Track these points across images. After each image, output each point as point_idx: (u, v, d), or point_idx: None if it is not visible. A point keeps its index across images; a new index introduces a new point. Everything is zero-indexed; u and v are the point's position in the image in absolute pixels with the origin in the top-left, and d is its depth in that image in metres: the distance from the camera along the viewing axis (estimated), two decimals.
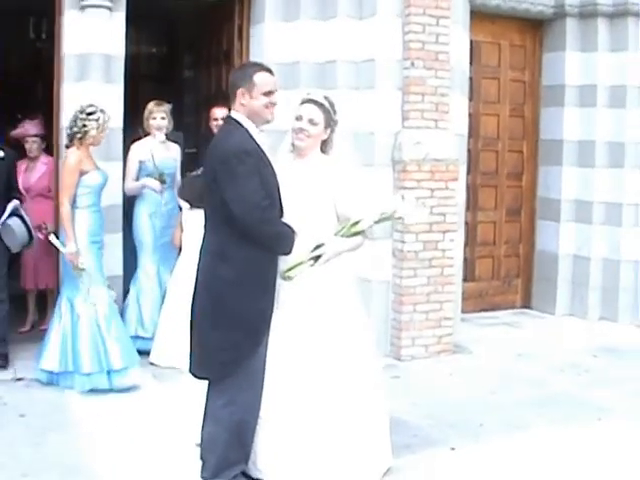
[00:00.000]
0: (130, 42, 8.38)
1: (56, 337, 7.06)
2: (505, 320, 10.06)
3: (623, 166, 9.96)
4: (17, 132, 8.79)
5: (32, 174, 8.73)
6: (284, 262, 4.95)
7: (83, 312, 7.01)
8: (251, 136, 4.91)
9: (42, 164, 8.77)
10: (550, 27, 10.27)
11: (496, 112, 10.22)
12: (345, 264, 5.18)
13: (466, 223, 9.56)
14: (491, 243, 10.37)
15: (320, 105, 5.19)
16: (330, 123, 5.23)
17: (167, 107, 8.25)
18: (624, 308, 10.00)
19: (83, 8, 7.85)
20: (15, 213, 7.33)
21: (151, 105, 8.21)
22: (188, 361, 5.08)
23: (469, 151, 9.54)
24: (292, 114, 5.18)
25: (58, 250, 7.21)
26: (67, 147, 7.27)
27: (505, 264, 10.52)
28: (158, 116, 8.16)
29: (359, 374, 5.13)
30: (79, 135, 7.12)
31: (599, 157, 10.01)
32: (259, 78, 4.96)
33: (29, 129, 8.77)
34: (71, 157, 7.11)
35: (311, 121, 5.16)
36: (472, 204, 9.90)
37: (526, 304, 10.63)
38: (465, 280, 9.58)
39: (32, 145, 8.75)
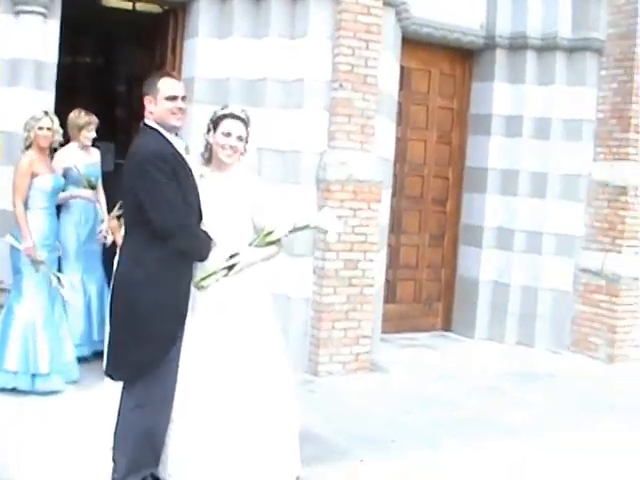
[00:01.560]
0: (64, 51, 8.39)
1: None
2: (425, 342, 10.18)
3: (545, 196, 10.20)
4: None
5: None
6: (199, 271, 5.03)
7: (20, 314, 7.09)
8: (167, 140, 4.97)
9: None
10: (480, 57, 10.51)
11: (424, 138, 10.39)
12: (259, 274, 5.25)
13: (389, 245, 9.71)
14: (414, 266, 10.50)
15: (243, 120, 5.27)
16: (248, 137, 5.32)
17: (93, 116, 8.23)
18: (540, 334, 10.21)
19: (17, 13, 7.90)
20: None
21: (87, 117, 8.12)
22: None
23: (395, 175, 9.73)
24: (212, 127, 5.24)
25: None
26: (22, 152, 7.35)
27: (427, 287, 10.67)
28: (92, 129, 8.17)
29: (268, 382, 5.17)
30: (29, 139, 7.25)
31: (522, 186, 10.25)
32: (162, 84, 5.01)
33: None
34: (23, 161, 7.22)
35: (239, 138, 5.22)
36: (396, 227, 10.04)
37: (446, 327, 10.78)
38: (387, 301, 9.72)
39: None
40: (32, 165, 7.20)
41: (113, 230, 7.85)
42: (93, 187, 8.00)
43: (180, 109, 5.02)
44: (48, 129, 7.32)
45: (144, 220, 4.82)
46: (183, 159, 4.99)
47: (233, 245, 5.06)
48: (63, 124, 7.65)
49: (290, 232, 5.18)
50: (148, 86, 5.08)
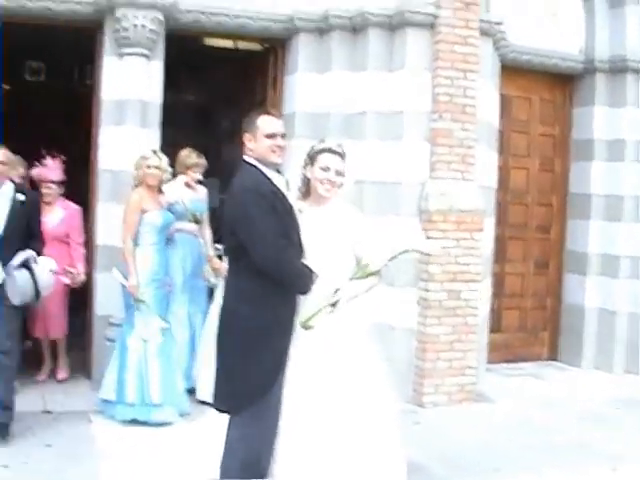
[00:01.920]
0: (168, 90, 8.59)
1: (111, 370, 7.38)
2: (530, 371, 10.06)
3: None
4: (36, 173, 8.47)
5: (48, 219, 8.17)
6: (304, 309, 5.06)
7: (133, 346, 7.29)
8: (266, 177, 5.05)
9: (60, 209, 8.49)
10: (580, 82, 10.38)
11: (525, 165, 10.31)
12: (359, 306, 5.28)
13: (494, 274, 9.64)
14: (519, 295, 10.40)
15: (340, 155, 5.33)
16: (345, 171, 5.36)
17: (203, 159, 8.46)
18: None
19: (122, 55, 8.15)
20: (26, 265, 6.67)
21: (197, 159, 8.37)
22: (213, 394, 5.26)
23: (498, 203, 9.64)
24: (309, 162, 5.32)
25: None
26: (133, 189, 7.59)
27: (532, 316, 10.54)
28: (199, 171, 8.39)
29: (372, 414, 5.19)
30: (139, 178, 7.48)
31: (626, 211, 10.08)
32: (262, 121, 5.10)
33: (47, 173, 8.43)
34: (132, 196, 7.43)
35: (338, 172, 5.28)
36: (500, 256, 9.94)
37: (552, 356, 10.63)
38: (492, 331, 9.63)
39: (47, 190, 8.39)
40: (141, 202, 7.39)
41: (215, 269, 8.01)
42: (198, 222, 8.18)
43: (279, 147, 5.10)
44: (156, 167, 7.50)
45: (246, 255, 4.92)
46: (283, 195, 5.06)
47: (335, 278, 5.09)
48: (170, 161, 7.83)
49: (389, 260, 5.20)
50: (248, 124, 5.17)
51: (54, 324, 8.49)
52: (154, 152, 7.59)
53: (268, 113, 5.31)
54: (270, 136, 5.07)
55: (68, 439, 6.80)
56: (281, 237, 4.90)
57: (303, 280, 5.01)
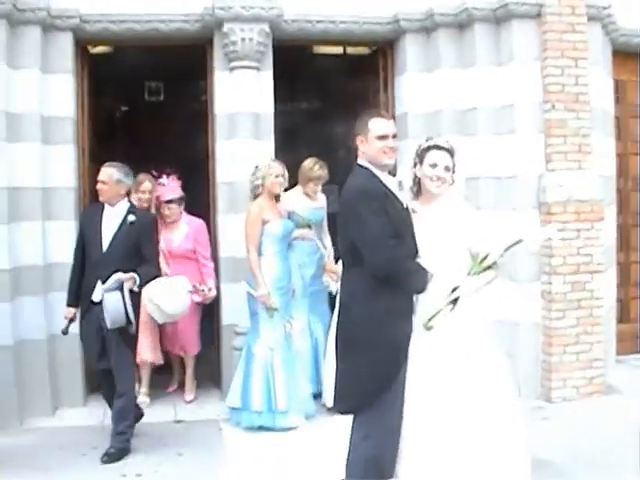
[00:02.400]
0: (280, 99, 8.71)
1: (237, 378, 7.56)
2: None
3: None
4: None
5: (174, 236, 8.46)
6: (423, 309, 5.10)
7: (259, 354, 7.43)
8: (377, 178, 5.11)
9: (185, 225, 8.53)
10: None
11: None
12: (480, 303, 5.28)
13: (619, 264, 9.45)
14: None
15: (448, 151, 5.34)
16: (455, 167, 5.37)
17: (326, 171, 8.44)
18: None
19: (232, 69, 8.32)
20: (120, 288, 6.60)
21: (320, 171, 8.37)
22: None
23: (619, 191, 9.46)
24: (418, 160, 5.35)
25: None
26: (251, 200, 7.70)
27: None
28: (321, 183, 8.44)
29: (496, 410, 5.18)
30: (259, 188, 7.61)
31: None
32: (372, 124, 5.19)
33: (165, 193, 8.45)
34: (253, 209, 7.56)
35: (447, 168, 5.31)
36: (624, 244, 9.72)
37: None
38: (620, 321, 9.45)
39: (168, 211, 8.47)
40: (262, 212, 7.52)
41: (332, 272, 8.09)
42: (309, 226, 8.28)
43: (391, 148, 5.17)
44: (282, 176, 7.67)
45: (358, 257, 4.97)
46: (394, 196, 5.11)
47: (452, 275, 5.11)
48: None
49: (504, 252, 5.17)
50: (359, 126, 5.27)
51: (188, 341, 8.57)
52: (275, 161, 7.73)
53: (379, 115, 5.42)
54: (381, 137, 5.17)
55: (198, 447, 7.01)
56: (392, 238, 4.94)
57: (416, 279, 5.04)
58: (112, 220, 6.86)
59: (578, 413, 7.77)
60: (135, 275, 6.68)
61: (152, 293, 7.12)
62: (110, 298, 6.55)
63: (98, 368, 6.98)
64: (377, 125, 5.21)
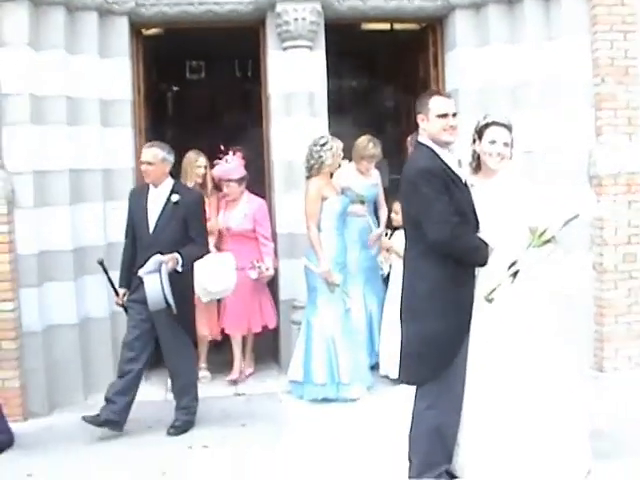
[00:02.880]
0: (331, 76, 8.82)
1: (298, 351, 7.74)
2: None
3: None
4: (216, 172, 8.46)
5: (232, 214, 8.46)
6: (484, 282, 5.24)
7: (318, 328, 7.61)
8: (438, 156, 5.24)
9: (245, 204, 8.47)
10: None
11: None
12: (539, 276, 5.41)
13: None
14: None
15: (507, 127, 5.46)
16: (513, 142, 5.49)
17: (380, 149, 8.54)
18: None
19: (285, 49, 8.46)
20: (159, 270, 6.62)
21: (373, 149, 8.44)
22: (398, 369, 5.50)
23: None
24: (477, 137, 5.49)
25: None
26: (307, 178, 7.81)
27: None
28: (374, 161, 8.54)
29: (554, 380, 5.33)
30: (317, 166, 7.70)
31: None
32: (433, 103, 5.32)
33: (228, 172, 8.39)
34: (312, 187, 7.69)
35: (505, 144, 5.45)
36: None
37: None
38: None
39: (228, 189, 8.46)
40: (321, 190, 7.65)
41: (385, 251, 8.28)
42: (363, 202, 8.35)
43: (451, 126, 5.30)
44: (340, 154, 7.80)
45: (421, 234, 5.13)
46: (454, 173, 5.24)
47: (511, 249, 5.24)
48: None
49: (563, 226, 5.30)
50: (420, 105, 5.41)
51: (248, 319, 8.48)
52: (333, 139, 7.80)
53: (439, 94, 5.57)
54: (442, 116, 5.29)
55: (262, 419, 7.21)
56: (453, 214, 5.09)
57: (478, 253, 5.19)
58: (157, 200, 6.93)
59: (631, 383, 7.84)
60: (177, 255, 6.71)
61: (196, 271, 7.17)
62: (148, 280, 6.57)
63: (134, 346, 6.95)
64: (437, 104, 5.33)
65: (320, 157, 7.67)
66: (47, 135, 7.73)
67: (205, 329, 8.30)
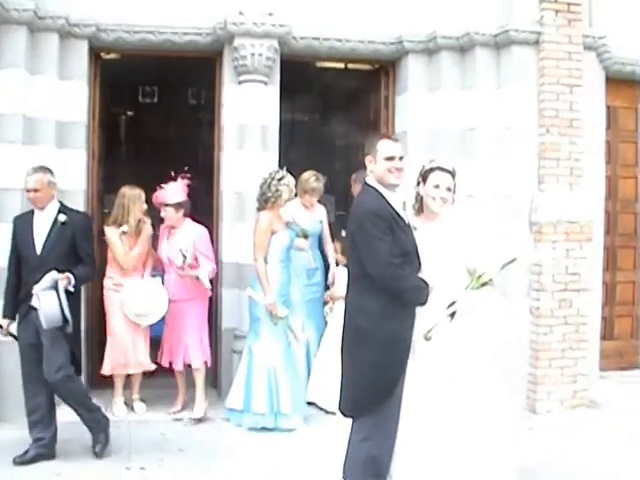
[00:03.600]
0: (284, 111, 8.99)
1: (239, 379, 7.78)
2: None
3: None
4: (154, 197, 8.15)
5: (171, 243, 8.10)
6: (423, 321, 5.36)
7: (260, 358, 7.68)
8: (384, 198, 5.39)
9: (184, 232, 8.09)
10: None
11: (634, 175, 10.28)
12: (476, 317, 5.57)
13: (605, 283, 9.75)
14: (630, 303, 10.37)
15: (450, 173, 5.65)
16: (455, 188, 5.68)
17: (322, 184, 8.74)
18: None
19: (241, 82, 8.60)
20: (55, 287, 6.42)
21: (316, 184, 8.64)
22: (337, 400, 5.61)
23: (607, 213, 9.72)
24: (421, 180, 5.67)
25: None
26: (258, 210, 7.87)
27: None
28: (317, 195, 8.72)
29: (487, 418, 5.46)
30: (272, 199, 7.79)
31: None
32: (381, 145, 5.47)
33: (164, 197, 8.05)
34: (263, 219, 7.76)
35: (448, 189, 5.62)
36: (611, 265, 10.01)
37: None
38: (604, 338, 9.74)
39: (165, 214, 8.10)
40: (272, 223, 7.74)
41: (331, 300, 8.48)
42: (306, 237, 8.46)
43: (397, 169, 5.44)
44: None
45: (365, 271, 5.28)
46: (399, 215, 5.40)
47: (450, 289, 5.39)
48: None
49: (501, 269, 5.47)
50: (368, 147, 5.55)
51: (192, 351, 8.11)
52: (289, 174, 7.92)
53: (387, 137, 5.73)
54: (389, 159, 5.43)
55: (200, 444, 7.28)
56: (397, 255, 5.24)
57: (419, 293, 5.34)
58: (44, 222, 6.76)
59: (561, 425, 8.04)
60: (70, 275, 6.58)
61: (125, 293, 7.30)
62: (44, 297, 6.36)
63: (32, 377, 6.71)
64: (385, 146, 5.48)
65: (277, 191, 7.75)
66: (1, 153, 7.79)
67: (137, 357, 8.13)
